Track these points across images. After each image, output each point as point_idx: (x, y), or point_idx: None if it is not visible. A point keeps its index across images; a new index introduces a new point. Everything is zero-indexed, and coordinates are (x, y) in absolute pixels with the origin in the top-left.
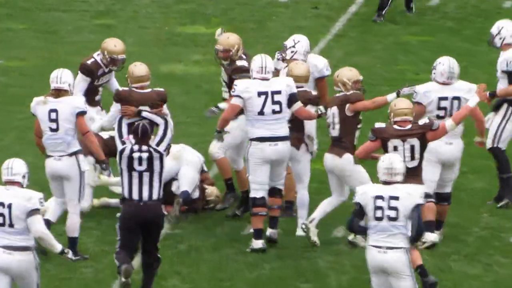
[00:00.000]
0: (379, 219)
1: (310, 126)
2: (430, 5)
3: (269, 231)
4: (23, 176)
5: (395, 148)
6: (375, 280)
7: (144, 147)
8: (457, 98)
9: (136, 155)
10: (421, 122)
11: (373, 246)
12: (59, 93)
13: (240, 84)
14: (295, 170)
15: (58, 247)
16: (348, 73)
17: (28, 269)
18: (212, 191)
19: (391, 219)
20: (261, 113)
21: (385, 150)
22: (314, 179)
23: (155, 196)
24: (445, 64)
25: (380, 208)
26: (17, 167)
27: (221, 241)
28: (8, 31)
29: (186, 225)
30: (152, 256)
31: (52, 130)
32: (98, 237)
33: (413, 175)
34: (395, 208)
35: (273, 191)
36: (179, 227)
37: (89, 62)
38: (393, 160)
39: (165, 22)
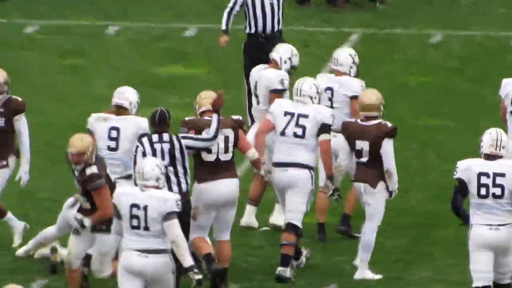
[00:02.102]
0: (483, 196)
1: (389, 159)
2: (431, 42)
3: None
4: (157, 179)
5: None
6: (476, 258)
7: (165, 136)
8: None
9: (158, 146)
10: (235, 117)
11: (482, 224)
12: (118, 110)
13: None
14: (367, 208)
15: (188, 260)
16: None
17: (165, 272)
18: None
19: (496, 196)
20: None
21: None
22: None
23: (184, 188)
24: None
25: (485, 185)
26: (149, 171)
27: None
28: None
29: None
30: None
31: (110, 149)
32: None
33: (227, 168)
34: (500, 186)
35: (287, 226)
36: None
37: None
38: (500, 132)
39: (140, 63)
